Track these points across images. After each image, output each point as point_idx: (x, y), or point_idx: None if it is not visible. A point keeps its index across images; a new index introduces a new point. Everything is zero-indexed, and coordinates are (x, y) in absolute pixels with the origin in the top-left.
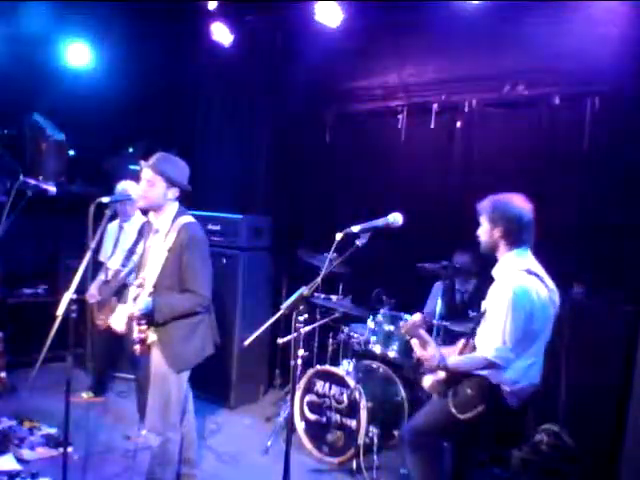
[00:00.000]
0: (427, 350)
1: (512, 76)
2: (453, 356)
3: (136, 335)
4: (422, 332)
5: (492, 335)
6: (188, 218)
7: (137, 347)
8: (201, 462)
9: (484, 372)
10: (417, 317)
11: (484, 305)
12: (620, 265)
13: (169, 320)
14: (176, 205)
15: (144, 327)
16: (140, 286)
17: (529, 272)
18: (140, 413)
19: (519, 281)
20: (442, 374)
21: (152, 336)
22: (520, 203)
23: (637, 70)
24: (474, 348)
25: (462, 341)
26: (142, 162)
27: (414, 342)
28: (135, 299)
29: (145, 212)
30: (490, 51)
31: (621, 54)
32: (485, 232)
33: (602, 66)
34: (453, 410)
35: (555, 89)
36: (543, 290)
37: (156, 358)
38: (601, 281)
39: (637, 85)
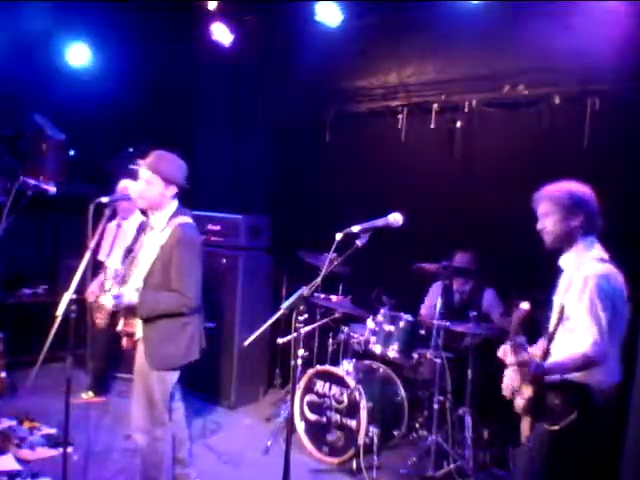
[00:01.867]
0: (521, 356)
1: (512, 76)
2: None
3: (120, 328)
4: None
5: (586, 329)
6: (185, 219)
7: (124, 340)
8: (201, 462)
9: (578, 374)
10: (525, 306)
11: (559, 301)
12: (620, 265)
13: (154, 318)
14: (175, 204)
15: (131, 321)
16: (115, 277)
17: (604, 260)
18: None
19: (601, 270)
20: (528, 392)
21: (139, 332)
22: (585, 188)
23: (637, 70)
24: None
25: (541, 345)
26: (139, 161)
27: (507, 348)
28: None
29: (144, 211)
30: (490, 51)
31: (621, 54)
32: (558, 223)
33: (602, 66)
34: (545, 426)
35: (555, 89)
36: (620, 278)
37: (140, 356)
38: None
39: (637, 85)
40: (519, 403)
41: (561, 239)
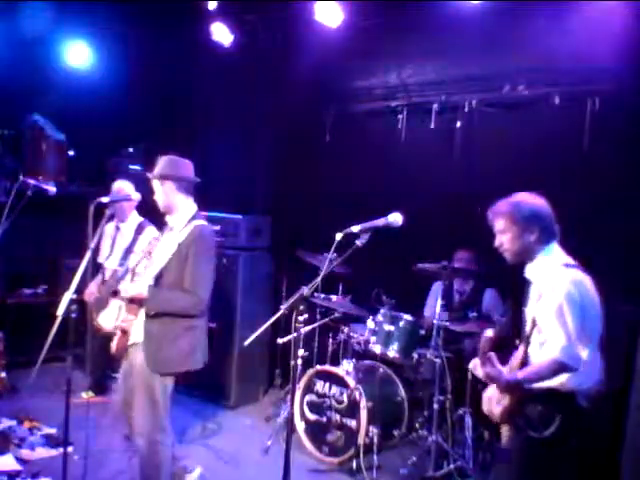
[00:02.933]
0: (491, 368)
1: (512, 76)
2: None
3: (118, 323)
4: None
5: (554, 335)
6: (203, 222)
7: (116, 339)
8: (201, 462)
9: (555, 381)
10: (489, 334)
11: (530, 312)
12: (620, 265)
13: (160, 315)
14: (193, 206)
15: (130, 317)
16: (134, 272)
17: (569, 266)
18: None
19: (567, 277)
20: (505, 400)
21: (136, 336)
22: (536, 198)
23: (637, 70)
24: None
25: (519, 354)
26: (148, 175)
27: (476, 362)
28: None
29: (143, 210)
30: (490, 51)
31: (621, 54)
32: (515, 239)
33: (602, 66)
34: (531, 434)
35: (555, 89)
36: (588, 281)
37: (138, 360)
38: (601, 281)
39: (637, 85)
40: (497, 411)
41: (520, 255)
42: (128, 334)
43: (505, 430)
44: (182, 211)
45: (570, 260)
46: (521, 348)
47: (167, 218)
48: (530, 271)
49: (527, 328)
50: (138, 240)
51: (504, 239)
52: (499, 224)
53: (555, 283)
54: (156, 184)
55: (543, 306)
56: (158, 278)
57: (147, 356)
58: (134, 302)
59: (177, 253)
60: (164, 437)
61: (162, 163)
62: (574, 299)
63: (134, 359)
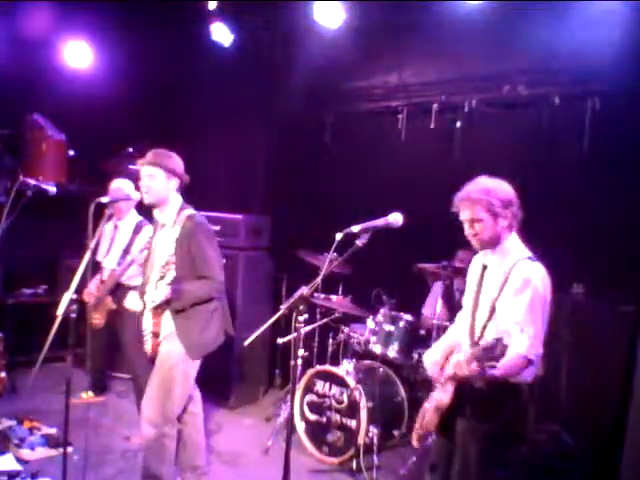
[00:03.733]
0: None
1: (512, 76)
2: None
3: (151, 329)
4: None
5: (523, 331)
6: (192, 211)
7: (149, 343)
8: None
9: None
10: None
11: (487, 299)
12: (620, 265)
13: (187, 308)
14: (179, 198)
15: (158, 319)
16: (165, 265)
17: (533, 259)
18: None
19: (538, 272)
20: (445, 399)
21: (166, 329)
22: (504, 183)
23: (637, 70)
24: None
25: (466, 348)
26: (138, 161)
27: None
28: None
29: (142, 209)
30: (490, 51)
31: (621, 54)
32: (491, 227)
33: (602, 66)
34: (477, 424)
35: (555, 89)
36: (547, 276)
37: (164, 350)
38: (601, 281)
39: (637, 85)
40: (442, 399)
41: (491, 243)
42: (159, 335)
43: (435, 418)
44: (171, 205)
45: (528, 252)
46: (470, 338)
47: (155, 213)
48: (490, 259)
49: (484, 315)
50: (135, 240)
51: (479, 227)
52: (475, 212)
53: (528, 277)
54: (156, 173)
55: (507, 295)
56: (165, 265)
57: (186, 346)
58: (159, 306)
59: (178, 250)
60: (172, 430)
61: (165, 154)
62: (544, 297)
63: (160, 349)
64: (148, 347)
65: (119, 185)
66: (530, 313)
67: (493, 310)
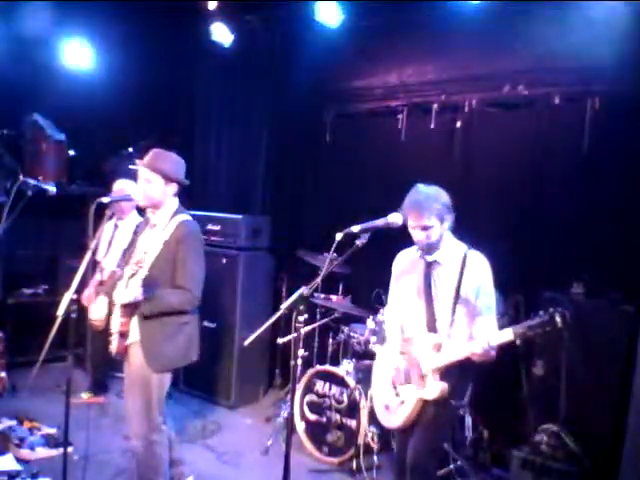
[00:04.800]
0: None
1: (512, 76)
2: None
3: (117, 328)
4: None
5: (492, 313)
6: (186, 216)
7: (115, 343)
8: (201, 462)
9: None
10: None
11: (446, 291)
12: (620, 265)
13: (155, 316)
14: (176, 202)
15: (127, 319)
16: (138, 263)
17: (471, 248)
18: None
19: (482, 258)
20: (435, 392)
21: (133, 335)
22: (439, 188)
23: (637, 70)
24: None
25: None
26: (137, 161)
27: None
28: (129, 283)
29: (143, 210)
30: (490, 51)
31: (621, 54)
32: (439, 231)
33: (602, 66)
34: (453, 402)
35: (555, 89)
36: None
37: (136, 360)
38: (601, 281)
39: (637, 85)
40: (429, 392)
41: (438, 244)
42: (126, 336)
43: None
44: (166, 208)
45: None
46: (425, 325)
47: (149, 213)
48: (440, 255)
49: (446, 303)
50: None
51: (431, 234)
52: (425, 220)
53: (481, 265)
54: (153, 179)
55: (472, 283)
56: (147, 278)
57: (146, 355)
58: (128, 306)
59: (164, 252)
60: (160, 436)
61: (165, 158)
62: (492, 279)
63: (131, 358)
64: (113, 347)
65: (122, 185)
66: (491, 295)
67: (457, 296)
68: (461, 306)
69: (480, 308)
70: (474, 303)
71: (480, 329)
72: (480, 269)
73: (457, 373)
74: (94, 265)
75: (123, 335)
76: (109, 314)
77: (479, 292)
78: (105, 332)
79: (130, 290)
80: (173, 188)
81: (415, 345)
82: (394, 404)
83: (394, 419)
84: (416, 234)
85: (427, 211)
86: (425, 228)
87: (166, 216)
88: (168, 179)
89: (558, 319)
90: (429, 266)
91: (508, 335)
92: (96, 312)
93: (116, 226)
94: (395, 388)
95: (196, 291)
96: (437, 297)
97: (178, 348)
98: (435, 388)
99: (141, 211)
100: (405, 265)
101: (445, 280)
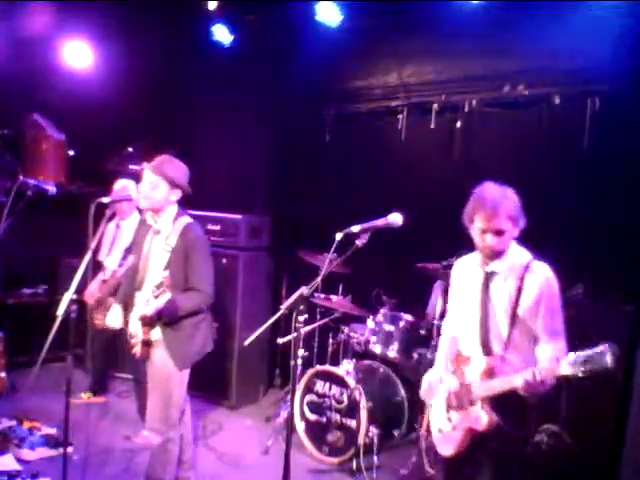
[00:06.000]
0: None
1: (512, 76)
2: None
3: (141, 337)
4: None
5: (556, 334)
6: (188, 219)
7: (138, 349)
8: (201, 462)
9: None
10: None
11: (502, 305)
12: (620, 265)
13: (176, 319)
14: (175, 206)
15: (150, 328)
16: (160, 286)
17: (537, 259)
18: (140, 414)
19: (547, 271)
20: (484, 422)
21: (155, 335)
22: (513, 192)
23: (637, 70)
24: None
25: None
26: (145, 164)
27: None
28: (149, 298)
29: (141, 211)
30: (490, 51)
31: (621, 54)
32: (509, 237)
33: (602, 66)
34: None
35: (555, 89)
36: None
37: (159, 358)
38: (601, 281)
39: (637, 85)
40: (479, 421)
41: (504, 252)
42: (150, 344)
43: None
44: (167, 213)
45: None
46: (479, 345)
47: (148, 216)
48: (499, 265)
49: (501, 323)
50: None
51: (501, 240)
52: (505, 225)
53: (548, 277)
54: (159, 183)
55: (528, 299)
56: (159, 286)
57: (173, 356)
58: (150, 317)
59: (172, 259)
60: (175, 434)
61: (173, 164)
62: (559, 295)
63: (153, 356)
64: (138, 353)
65: (123, 185)
66: (556, 316)
67: (514, 315)
68: (519, 327)
69: (542, 331)
70: (535, 325)
71: (544, 356)
72: (543, 285)
73: (514, 401)
74: (96, 265)
75: (147, 343)
76: (125, 321)
77: (541, 312)
78: (104, 332)
79: (151, 304)
80: (177, 195)
81: (469, 367)
82: (446, 429)
83: (446, 447)
84: (486, 238)
85: (504, 213)
86: (499, 232)
87: (169, 221)
88: (174, 185)
89: (609, 359)
90: (488, 277)
91: (564, 369)
92: (112, 320)
93: (118, 226)
94: (448, 412)
95: (209, 291)
96: (493, 314)
97: (197, 345)
98: (482, 419)
99: (142, 211)
100: (464, 274)
101: (502, 295)
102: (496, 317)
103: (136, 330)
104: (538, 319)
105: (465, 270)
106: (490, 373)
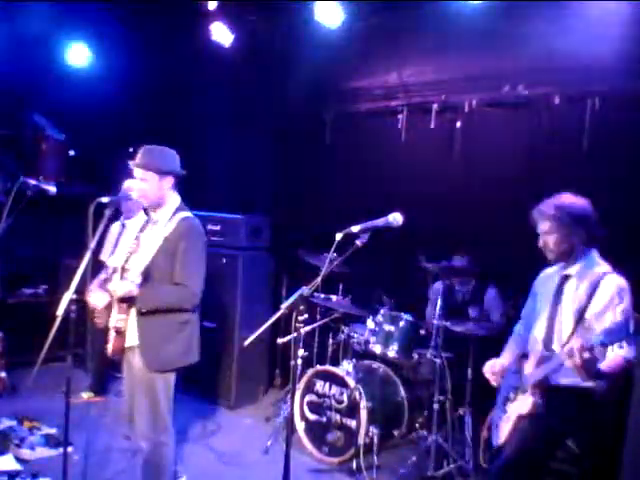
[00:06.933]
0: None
1: (512, 76)
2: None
3: (113, 324)
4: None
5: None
6: (188, 213)
7: (111, 340)
8: (201, 462)
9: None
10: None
11: (569, 308)
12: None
13: (152, 313)
14: (177, 199)
15: (123, 316)
16: (144, 273)
17: (617, 273)
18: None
19: (622, 284)
20: (525, 408)
21: (132, 339)
22: (585, 201)
23: (637, 70)
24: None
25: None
26: (130, 162)
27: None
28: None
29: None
30: (490, 51)
31: (621, 54)
32: (560, 241)
33: (602, 66)
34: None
35: (555, 89)
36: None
37: (138, 362)
38: None
39: (637, 85)
40: (522, 408)
41: (564, 255)
42: (123, 334)
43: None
44: (169, 205)
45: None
46: (541, 342)
47: (151, 212)
48: (572, 269)
49: (567, 323)
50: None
51: (549, 240)
52: (544, 225)
53: (621, 287)
54: (147, 176)
55: (598, 304)
56: (145, 274)
57: (145, 357)
58: (124, 301)
59: (164, 247)
60: (167, 437)
61: (154, 153)
62: (631, 309)
63: (132, 362)
64: (109, 346)
65: (129, 185)
66: (626, 322)
67: (580, 319)
68: (583, 330)
69: (599, 333)
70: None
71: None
72: (613, 295)
73: (565, 397)
74: (99, 265)
75: (119, 332)
76: (109, 310)
77: (604, 320)
78: (105, 331)
79: (125, 283)
80: (169, 181)
81: (528, 362)
82: (501, 421)
83: (499, 435)
84: (540, 240)
85: (541, 216)
86: (543, 234)
87: (168, 213)
88: (161, 173)
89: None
90: (563, 280)
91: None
92: (96, 299)
93: (123, 225)
94: (505, 405)
95: (195, 287)
96: (560, 314)
97: (177, 347)
98: (526, 402)
99: (147, 211)
100: (544, 279)
101: (572, 298)
102: (562, 316)
103: (112, 319)
104: (602, 324)
105: (546, 275)
106: (540, 362)
